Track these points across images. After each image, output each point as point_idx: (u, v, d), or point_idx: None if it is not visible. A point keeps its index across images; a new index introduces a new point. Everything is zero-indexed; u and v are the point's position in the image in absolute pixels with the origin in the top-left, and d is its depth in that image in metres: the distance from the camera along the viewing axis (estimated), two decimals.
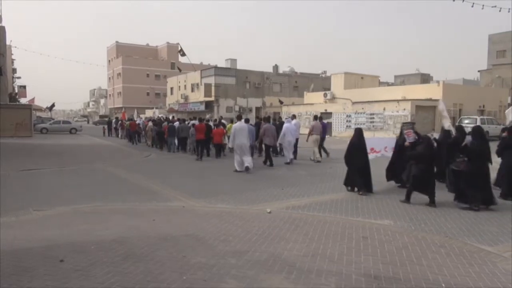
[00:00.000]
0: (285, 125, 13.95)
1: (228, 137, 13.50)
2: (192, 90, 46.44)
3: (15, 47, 57.43)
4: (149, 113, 52.58)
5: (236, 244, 5.01)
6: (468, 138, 7.83)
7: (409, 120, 24.13)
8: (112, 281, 3.86)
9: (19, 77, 54.83)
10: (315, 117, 15.51)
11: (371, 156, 9.33)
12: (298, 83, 47.56)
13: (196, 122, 16.31)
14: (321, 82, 47.12)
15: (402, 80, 58.97)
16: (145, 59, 74.10)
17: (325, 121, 16.78)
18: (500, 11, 22.18)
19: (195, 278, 3.95)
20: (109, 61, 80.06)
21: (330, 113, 30.56)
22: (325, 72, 56.04)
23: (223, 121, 18.56)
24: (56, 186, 9.54)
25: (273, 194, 8.56)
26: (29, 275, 3.97)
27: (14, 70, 52.28)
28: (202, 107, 42.22)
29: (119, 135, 29.70)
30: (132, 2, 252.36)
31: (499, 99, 32.43)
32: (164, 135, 18.81)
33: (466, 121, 25.36)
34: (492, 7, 21.48)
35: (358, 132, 9.07)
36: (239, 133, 11.76)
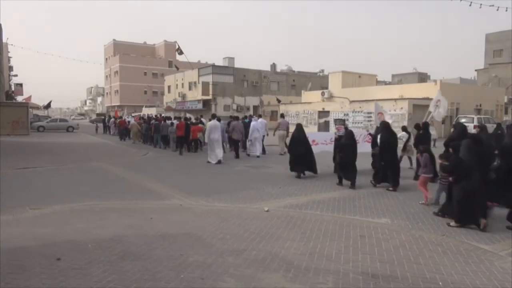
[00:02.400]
0: (252, 123, 15.58)
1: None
2: (190, 89, 46.27)
3: (12, 44, 57.12)
4: (145, 111, 52.59)
5: (233, 243, 5.02)
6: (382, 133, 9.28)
7: (406, 119, 24.25)
8: (109, 279, 3.85)
9: (15, 75, 54.54)
10: (282, 115, 17.38)
11: (314, 148, 10.90)
12: (296, 82, 47.48)
13: (176, 121, 17.83)
14: (319, 81, 47.05)
15: (399, 79, 59.09)
16: (143, 57, 73.82)
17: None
18: (497, 10, 22.25)
19: (192, 276, 3.95)
20: (106, 59, 79.69)
21: (328, 112, 30.55)
22: (322, 70, 56.00)
23: (202, 119, 20.04)
24: (53, 184, 9.50)
25: (271, 192, 8.56)
26: (26, 274, 3.96)
27: (10, 68, 52.02)
28: (200, 106, 42.10)
29: (111, 132, 31.32)
30: (130, 1, 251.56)
31: (496, 98, 32.54)
32: (151, 132, 20.50)
33: (463, 120, 25.44)
34: (490, 6, 21.56)
35: (299, 127, 10.93)
36: (213, 130, 13.39)
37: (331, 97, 34.47)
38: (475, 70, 51.84)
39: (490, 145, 7.65)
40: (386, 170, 8.84)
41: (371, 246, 4.96)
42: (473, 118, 24.97)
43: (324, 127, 29.75)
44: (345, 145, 9.22)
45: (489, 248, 5.01)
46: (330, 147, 11.00)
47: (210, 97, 41.36)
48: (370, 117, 27.32)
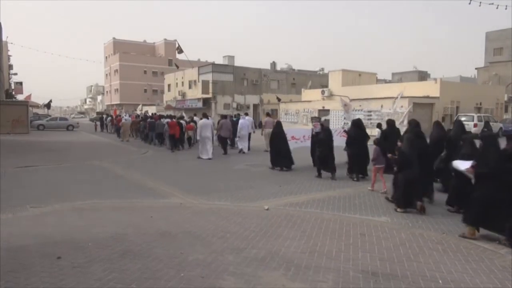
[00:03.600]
0: (240, 121, 16.61)
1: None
2: (190, 87, 46.23)
3: (12, 43, 57.12)
4: (143, 110, 52.63)
5: (233, 241, 5.02)
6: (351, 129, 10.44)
7: (406, 117, 24.26)
8: (109, 278, 3.85)
9: (15, 74, 54.54)
10: (267, 114, 18.29)
11: (292, 143, 11.83)
12: (296, 80, 47.41)
13: (168, 120, 19.01)
14: (319, 79, 46.98)
15: (399, 77, 58.96)
16: (143, 56, 73.73)
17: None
18: (497, 8, 22.18)
19: (192, 275, 3.95)
20: (106, 57, 79.61)
21: (328, 110, 30.52)
22: (322, 69, 55.94)
23: (195, 118, 20.77)
24: (53, 183, 9.50)
25: (271, 191, 8.56)
26: (26, 272, 3.96)
27: (10, 67, 52.00)
28: (200, 104, 42.06)
29: (108, 130, 32.48)
30: None
31: (496, 96, 32.49)
32: (146, 130, 21.55)
33: (463, 119, 25.40)
34: (489, 4, 21.52)
35: (279, 124, 12.14)
36: (203, 127, 14.35)
37: (331, 95, 34.45)
38: (475, 69, 51.73)
39: (443, 137, 8.53)
40: (353, 161, 9.96)
41: (371, 244, 4.96)
42: (473, 116, 24.93)
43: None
44: (323, 140, 10.20)
45: (489, 247, 5.00)
46: (308, 143, 12.01)
47: (210, 95, 41.31)
48: (370, 115, 27.36)
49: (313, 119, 13.03)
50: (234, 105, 41.88)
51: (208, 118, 15.13)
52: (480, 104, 30.28)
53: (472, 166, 5.48)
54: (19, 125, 27.88)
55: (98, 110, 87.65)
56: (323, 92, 35.27)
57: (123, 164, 12.89)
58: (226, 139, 16.40)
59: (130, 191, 8.53)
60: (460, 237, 5.34)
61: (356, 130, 10.06)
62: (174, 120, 18.67)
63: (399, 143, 7.47)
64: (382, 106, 26.92)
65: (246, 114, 19.17)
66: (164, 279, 3.85)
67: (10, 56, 52.34)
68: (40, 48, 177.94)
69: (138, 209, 6.82)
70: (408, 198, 6.69)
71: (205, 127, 14.42)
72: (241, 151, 16.12)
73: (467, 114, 25.81)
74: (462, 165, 5.85)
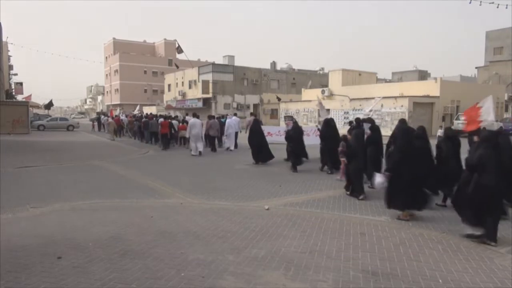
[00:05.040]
0: (227, 121, 17.71)
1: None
2: (190, 87, 46.22)
3: (12, 43, 57.15)
4: (145, 110, 52.60)
5: (234, 241, 5.02)
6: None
7: (406, 117, 24.26)
8: (110, 277, 3.86)
9: (15, 74, 54.58)
10: (251, 114, 19.27)
11: (268, 138, 12.99)
12: (296, 80, 47.37)
13: (161, 119, 19.99)
14: (319, 79, 46.95)
15: (399, 76, 58.89)
16: (143, 56, 73.69)
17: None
18: (497, 7, 22.15)
19: (193, 274, 3.96)
20: (106, 57, 79.55)
21: (328, 110, 30.46)
22: (323, 68, 55.84)
23: (187, 117, 21.41)
24: (53, 183, 9.50)
25: (271, 191, 8.56)
26: (26, 272, 3.97)
27: (10, 67, 52.01)
28: (200, 104, 42.04)
29: (106, 130, 32.54)
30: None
31: (496, 96, 32.47)
32: (141, 129, 22.49)
33: (463, 118, 25.39)
34: (490, 3, 21.50)
35: (256, 121, 13.43)
36: (193, 126, 15.49)
37: (331, 95, 34.45)
38: (476, 68, 51.62)
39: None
40: (326, 157, 10.85)
41: (371, 244, 4.96)
42: None
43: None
44: (292, 136, 11.17)
45: (489, 246, 5.00)
46: (282, 138, 12.74)
47: (210, 95, 41.31)
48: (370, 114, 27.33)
49: (285, 118, 14.77)
50: (234, 105, 41.87)
51: (197, 118, 16.27)
52: None
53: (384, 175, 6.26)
54: (20, 125, 27.90)
55: (98, 110, 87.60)
56: (323, 92, 35.24)
57: (123, 164, 12.89)
58: (214, 138, 17.40)
59: (130, 191, 8.54)
60: (397, 219, 6.15)
61: (327, 128, 11.09)
62: (167, 120, 19.46)
63: (348, 136, 8.10)
64: (382, 106, 26.89)
65: (235, 114, 20.37)
66: (165, 278, 3.85)
67: (10, 56, 52.35)
68: (40, 48, 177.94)
69: (138, 209, 6.82)
70: (353, 184, 7.79)
71: (195, 125, 15.49)
72: (228, 148, 17.12)
73: None
74: (379, 179, 6.36)
